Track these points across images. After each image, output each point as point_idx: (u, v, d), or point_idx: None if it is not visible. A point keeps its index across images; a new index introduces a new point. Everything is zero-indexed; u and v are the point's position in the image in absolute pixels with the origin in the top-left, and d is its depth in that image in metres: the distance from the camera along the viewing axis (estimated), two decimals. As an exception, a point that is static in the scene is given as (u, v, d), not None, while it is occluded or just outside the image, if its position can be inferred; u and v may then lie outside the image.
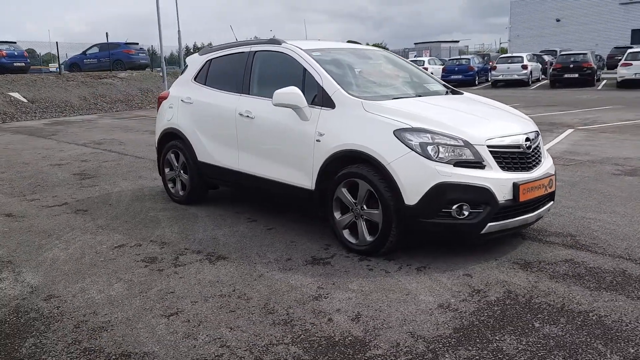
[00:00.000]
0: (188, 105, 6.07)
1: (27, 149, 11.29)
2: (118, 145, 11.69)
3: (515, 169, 4.27)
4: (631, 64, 22.49)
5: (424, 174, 4.05)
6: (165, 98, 6.51)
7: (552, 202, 4.72)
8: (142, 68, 31.71)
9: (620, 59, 35.76)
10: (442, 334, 3.15)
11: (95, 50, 28.47)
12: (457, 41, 67.00)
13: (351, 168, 4.44)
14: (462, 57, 30.31)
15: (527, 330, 3.16)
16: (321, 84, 4.77)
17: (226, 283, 3.99)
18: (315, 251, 4.62)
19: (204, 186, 6.19)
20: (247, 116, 5.29)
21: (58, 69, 26.40)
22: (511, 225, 4.28)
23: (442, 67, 31.92)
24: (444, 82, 5.78)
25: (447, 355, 2.92)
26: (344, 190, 4.52)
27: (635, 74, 22.23)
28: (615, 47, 41.33)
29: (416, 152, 4.09)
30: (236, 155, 5.50)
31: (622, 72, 22.67)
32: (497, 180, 4.10)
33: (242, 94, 5.48)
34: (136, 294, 3.84)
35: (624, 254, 4.36)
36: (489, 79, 29.12)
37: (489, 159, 4.14)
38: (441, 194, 4.02)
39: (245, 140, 5.37)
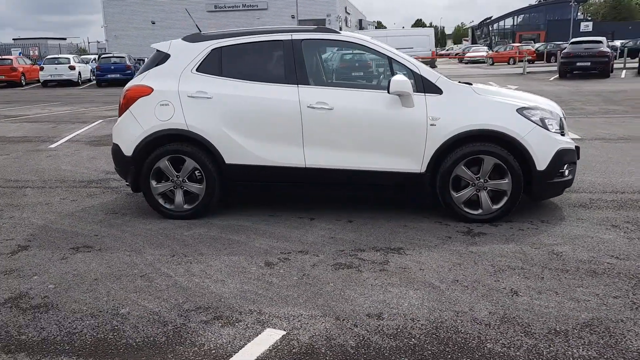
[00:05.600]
0: (204, 100, 5.16)
1: None
2: None
3: (566, 137, 5.57)
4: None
5: (549, 142, 4.97)
6: (144, 94, 5.27)
7: None
8: None
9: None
10: (674, 257, 4.24)
11: None
12: (65, 38, 62.63)
13: (474, 146, 4.94)
14: (117, 55, 28.95)
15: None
16: (419, 72, 5.04)
17: (466, 266, 4.10)
18: (441, 228, 4.95)
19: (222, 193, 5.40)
20: (321, 107, 5.02)
21: None
22: None
23: (88, 64, 30.43)
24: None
25: None
26: (464, 167, 4.98)
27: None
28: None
29: (539, 125, 4.96)
30: (299, 151, 5.11)
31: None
32: (574, 144, 5.33)
33: (300, 85, 5.10)
34: (452, 291, 3.66)
35: (629, 190, 6.00)
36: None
37: (565, 128, 5.32)
38: (561, 157, 5.02)
39: (317, 133, 5.07)
